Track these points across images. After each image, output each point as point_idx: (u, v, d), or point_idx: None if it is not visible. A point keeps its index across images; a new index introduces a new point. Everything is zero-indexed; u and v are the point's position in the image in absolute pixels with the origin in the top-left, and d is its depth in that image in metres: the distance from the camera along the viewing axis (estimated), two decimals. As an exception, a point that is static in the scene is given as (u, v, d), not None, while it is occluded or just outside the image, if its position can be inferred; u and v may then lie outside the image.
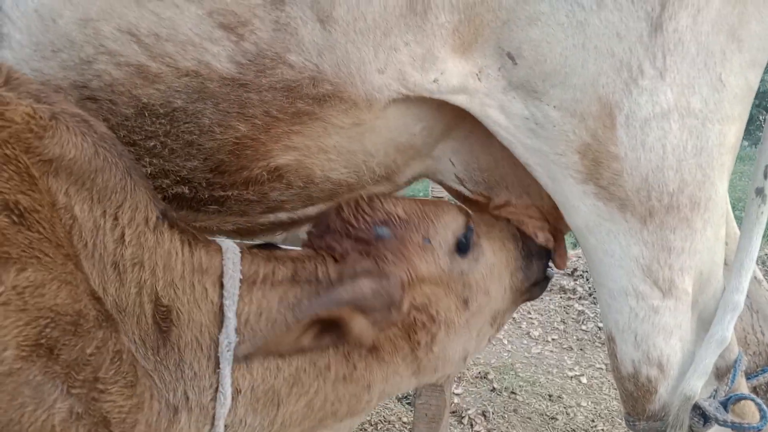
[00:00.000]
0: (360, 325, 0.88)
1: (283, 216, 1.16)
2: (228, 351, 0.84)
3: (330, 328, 0.88)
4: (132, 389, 0.75)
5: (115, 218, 0.79)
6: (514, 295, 1.17)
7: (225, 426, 0.85)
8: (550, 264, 1.26)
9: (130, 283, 0.79)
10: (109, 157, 0.80)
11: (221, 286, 0.86)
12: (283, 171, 1.02)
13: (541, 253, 1.23)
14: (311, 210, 1.17)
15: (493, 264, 1.10)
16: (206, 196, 1.05)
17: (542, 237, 1.22)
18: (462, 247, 1.04)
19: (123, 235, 0.79)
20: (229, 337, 0.84)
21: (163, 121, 0.92)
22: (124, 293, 0.79)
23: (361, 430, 2.21)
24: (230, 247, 0.91)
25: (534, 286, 1.22)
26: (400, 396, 2.47)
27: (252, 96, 0.91)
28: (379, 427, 2.22)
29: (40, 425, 0.66)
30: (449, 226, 1.04)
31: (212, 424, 0.84)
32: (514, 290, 1.16)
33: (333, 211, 1.02)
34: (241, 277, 0.88)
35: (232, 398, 0.85)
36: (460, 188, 1.21)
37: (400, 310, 0.94)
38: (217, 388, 0.84)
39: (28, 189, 0.69)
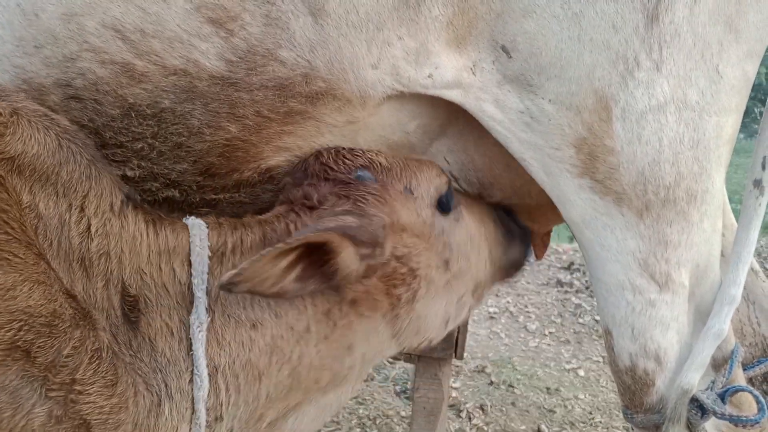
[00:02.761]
0: (349, 255, 0.81)
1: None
2: (200, 331, 0.81)
3: (313, 269, 0.82)
4: (112, 389, 0.73)
5: (81, 209, 0.77)
6: (494, 269, 1.15)
7: (207, 409, 0.83)
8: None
9: (96, 276, 0.77)
10: (73, 148, 0.78)
11: (189, 264, 0.83)
12: (274, 173, 1.00)
13: (522, 235, 1.23)
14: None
15: (473, 234, 1.09)
16: (197, 199, 1.03)
17: None
18: (443, 205, 1.02)
19: (89, 226, 0.77)
20: (200, 318, 0.81)
21: (150, 122, 0.90)
22: (91, 288, 0.77)
23: (359, 425, 2.22)
24: (196, 223, 0.87)
25: (512, 267, 1.22)
26: (398, 390, 2.47)
27: (243, 95, 0.88)
28: (377, 422, 2.23)
29: (19, 431, 0.65)
30: (432, 180, 1.01)
31: (193, 408, 0.82)
32: (494, 264, 1.15)
33: (312, 157, 0.97)
34: (210, 253, 0.85)
35: (210, 378, 0.83)
36: (455, 186, 1.21)
37: (383, 250, 0.89)
38: (193, 370, 0.81)
39: None
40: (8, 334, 0.64)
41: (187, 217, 0.90)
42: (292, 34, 0.86)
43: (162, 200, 1.01)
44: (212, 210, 1.04)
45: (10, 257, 0.66)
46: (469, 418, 2.25)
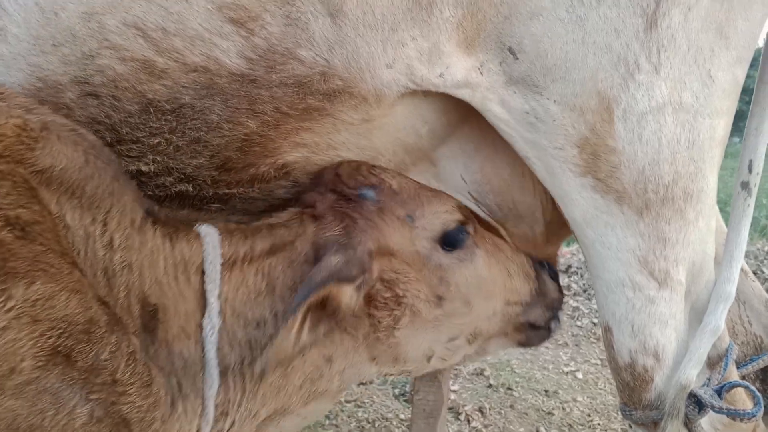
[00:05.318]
0: (348, 294, 0.87)
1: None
2: (212, 335, 0.85)
3: (318, 313, 0.88)
4: (148, 388, 0.77)
5: (104, 224, 0.80)
6: (505, 326, 1.12)
7: (216, 405, 0.87)
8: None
9: (118, 287, 0.80)
10: (98, 164, 0.81)
11: (202, 273, 0.88)
12: (290, 168, 1.02)
13: (553, 302, 1.18)
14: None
15: (484, 279, 1.06)
16: (210, 194, 1.04)
17: None
18: (448, 241, 1.01)
19: (112, 240, 0.81)
20: (212, 321, 0.86)
21: (169, 117, 0.91)
22: (112, 298, 0.80)
23: (358, 427, 2.21)
24: (209, 231, 0.92)
25: (532, 330, 1.17)
26: (396, 393, 2.47)
27: (262, 92, 0.90)
28: (376, 425, 2.22)
29: (60, 430, 0.68)
30: (439, 215, 1.02)
31: (203, 405, 0.86)
32: (505, 320, 1.11)
33: (332, 165, 1.01)
34: (222, 261, 0.89)
35: (223, 376, 0.87)
36: (475, 207, 1.18)
37: (371, 274, 0.93)
38: (204, 370, 0.85)
39: (27, 202, 0.70)
40: (49, 341, 0.68)
41: (200, 224, 0.93)
42: (312, 34, 0.88)
43: (175, 194, 1.02)
44: (224, 205, 1.06)
45: (47, 268, 0.69)
46: (468, 421, 2.25)
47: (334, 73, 0.92)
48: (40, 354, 0.67)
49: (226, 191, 1.03)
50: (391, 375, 1.06)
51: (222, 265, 0.89)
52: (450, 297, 1.01)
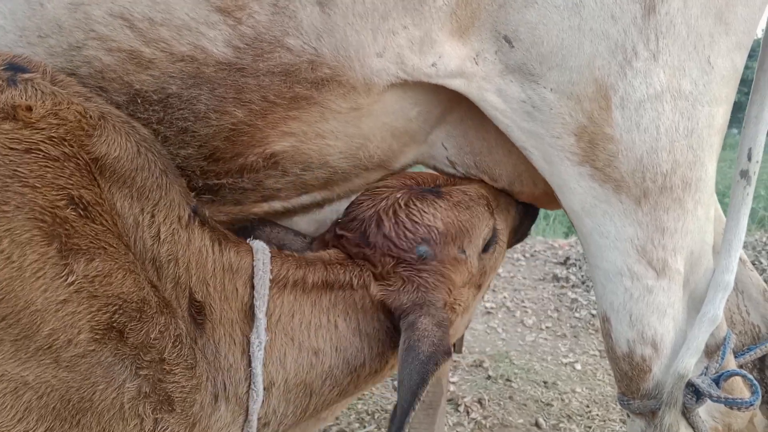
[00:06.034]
0: (448, 363, 0.93)
1: (277, 205, 1.16)
2: (259, 350, 0.87)
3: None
4: (192, 371, 0.79)
5: (152, 216, 0.82)
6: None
7: (258, 418, 0.88)
8: None
9: (166, 278, 0.82)
10: (150, 156, 0.83)
11: (252, 286, 0.89)
12: (278, 158, 1.01)
13: (534, 212, 1.30)
14: (305, 199, 1.17)
15: (504, 241, 1.16)
16: (200, 184, 1.03)
17: None
18: (487, 246, 1.11)
19: (159, 232, 0.82)
20: (260, 337, 0.87)
21: (156, 107, 0.90)
22: (161, 287, 0.81)
23: (358, 419, 2.22)
24: (260, 248, 0.94)
25: (515, 242, 1.33)
26: (396, 385, 2.48)
27: (249, 81, 0.89)
28: (376, 417, 2.23)
29: (109, 403, 0.69)
30: (481, 233, 1.10)
31: (246, 417, 0.87)
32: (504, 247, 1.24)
33: (373, 222, 1.03)
34: (271, 278, 0.90)
35: (266, 391, 0.88)
36: (452, 171, 1.22)
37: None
38: (250, 383, 0.87)
39: (89, 184, 0.72)
40: (105, 315, 0.69)
41: (252, 239, 0.95)
42: (300, 22, 0.87)
43: None
44: (214, 196, 1.05)
45: (106, 246, 0.71)
46: (467, 413, 2.26)
47: (323, 62, 0.90)
48: (96, 328, 0.68)
49: (216, 182, 1.02)
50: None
51: (271, 282, 0.91)
52: (486, 279, 1.12)
